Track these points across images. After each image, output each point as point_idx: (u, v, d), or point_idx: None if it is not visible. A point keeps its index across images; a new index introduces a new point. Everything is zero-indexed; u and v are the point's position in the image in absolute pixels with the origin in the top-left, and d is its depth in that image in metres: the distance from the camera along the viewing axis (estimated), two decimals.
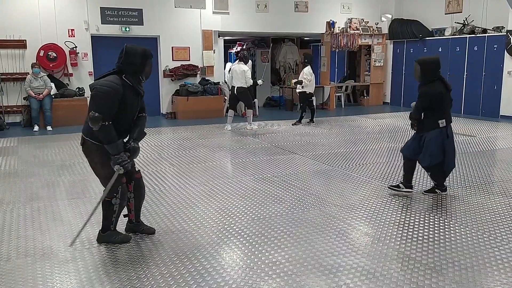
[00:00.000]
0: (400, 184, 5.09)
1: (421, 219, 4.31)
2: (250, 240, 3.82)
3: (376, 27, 14.25)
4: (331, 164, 6.60)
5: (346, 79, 15.70)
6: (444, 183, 5.09)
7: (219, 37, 12.63)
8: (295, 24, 13.22)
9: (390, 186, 5.21)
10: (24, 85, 9.91)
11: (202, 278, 3.15)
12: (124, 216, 3.88)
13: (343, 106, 14.31)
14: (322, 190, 5.31)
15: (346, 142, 8.35)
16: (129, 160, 3.54)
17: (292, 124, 10.36)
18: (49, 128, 9.86)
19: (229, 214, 4.49)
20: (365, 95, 14.80)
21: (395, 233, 3.97)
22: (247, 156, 7.23)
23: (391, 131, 9.84)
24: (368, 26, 14.10)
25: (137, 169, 3.89)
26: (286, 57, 15.42)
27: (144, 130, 3.80)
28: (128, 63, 3.50)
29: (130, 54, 3.52)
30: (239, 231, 4.02)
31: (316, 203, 4.80)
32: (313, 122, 10.51)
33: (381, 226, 4.13)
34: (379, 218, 4.33)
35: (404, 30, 13.65)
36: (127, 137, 3.69)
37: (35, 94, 9.76)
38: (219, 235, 3.94)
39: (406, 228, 4.08)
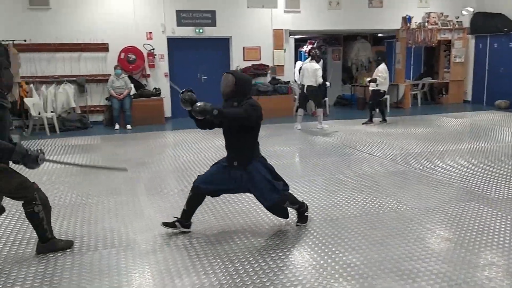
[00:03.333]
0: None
1: (507, 224, 4.02)
2: (323, 241, 3.77)
3: (457, 21, 13.49)
4: (406, 165, 6.35)
5: (423, 76, 15.02)
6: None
7: (290, 36, 12.62)
8: (368, 20, 12.86)
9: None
10: (107, 86, 10.53)
11: (275, 276, 3.17)
12: None
13: (419, 105, 13.72)
14: (397, 191, 5.12)
15: (423, 142, 7.98)
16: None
17: (363, 123, 10.10)
18: (128, 127, 10.38)
19: None
20: (443, 93, 14.08)
21: (478, 239, 3.74)
22: (317, 156, 7.15)
23: (472, 131, 9.27)
24: (448, 20, 13.39)
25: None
26: (358, 55, 15.07)
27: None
28: None
29: None
30: (312, 231, 3.99)
31: (391, 205, 4.64)
32: (386, 121, 10.18)
33: (463, 231, 3.90)
34: (461, 223, 4.10)
35: (487, 24, 12.80)
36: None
37: (116, 94, 10.33)
38: (293, 233, 3.94)
39: (491, 233, 3.83)
